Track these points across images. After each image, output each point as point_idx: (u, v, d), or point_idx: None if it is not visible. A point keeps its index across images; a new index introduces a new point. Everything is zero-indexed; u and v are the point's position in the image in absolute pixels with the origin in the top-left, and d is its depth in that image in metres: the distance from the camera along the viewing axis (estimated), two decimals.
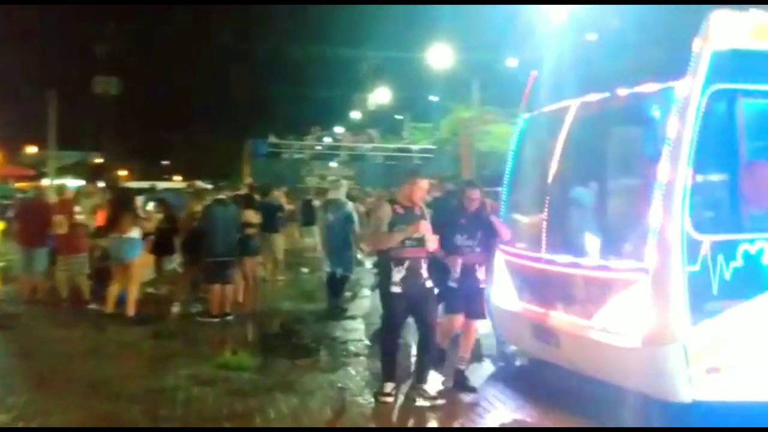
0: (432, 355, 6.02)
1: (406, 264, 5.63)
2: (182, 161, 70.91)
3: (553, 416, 5.43)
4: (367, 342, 7.98)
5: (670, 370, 4.90)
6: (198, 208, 9.43)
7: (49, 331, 8.40)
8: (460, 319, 6.36)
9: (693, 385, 4.85)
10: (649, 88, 5.26)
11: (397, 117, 54.80)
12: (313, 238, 17.18)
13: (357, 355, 7.41)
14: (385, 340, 5.97)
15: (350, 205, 9.99)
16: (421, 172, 6.84)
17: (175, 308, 9.49)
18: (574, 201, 6.23)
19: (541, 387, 6.11)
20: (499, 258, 6.88)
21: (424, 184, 5.91)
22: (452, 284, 6.18)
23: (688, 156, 4.85)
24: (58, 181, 28.27)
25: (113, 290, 9.00)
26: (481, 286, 6.40)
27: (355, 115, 56.47)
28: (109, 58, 37.57)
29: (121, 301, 9.02)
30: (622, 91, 5.46)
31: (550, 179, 6.20)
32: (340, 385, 6.25)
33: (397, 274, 5.63)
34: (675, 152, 4.87)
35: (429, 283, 5.84)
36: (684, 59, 4.91)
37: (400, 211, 5.74)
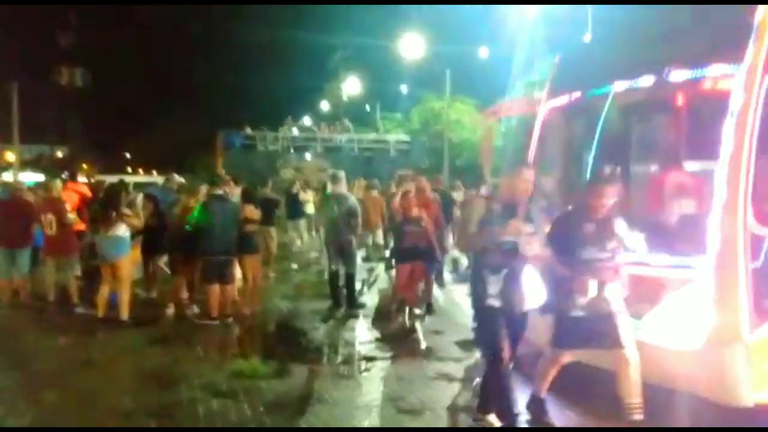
0: (505, 386, 4.86)
1: (504, 273, 4.72)
2: (145, 154, 69.68)
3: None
4: (383, 343, 7.59)
5: (732, 373, 4.62)
6: (193, 203, 8.91)
7: (36, 340, 7.80)
8: (567, 356, 5.01)
9: (755, 388, 4.59)
10: (703, 71, 4.96)
11: (367, 107, 54.53)
12: (298, 232, 16.79)
13: (374, 358, 6.99)
14: (491, 368, 4.83)
15: (353, 199, 9.57)
16: (524, 162, 5.45)
17: (170, 310, 8.99)
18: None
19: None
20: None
21: (529, 175, 4.77)
22: (576, 313, 4.76)
23: (749, 144, 4.56)
24: (26, 177, 27.32)
25: (103, 292, 8.45)
26: (613, 309, 4.77)
27: (324, 105, 56.01)
28: (74, 49, 36.32)
29: (111, 303, 8.47)
30: (675, 75, 5.13)
31: (589, 171, 5.87)
32: (369, 395, 5.85)
33: (494, 285, 4.74)
34: (735, 140, 4.57)
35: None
36: (744, 36, 4.59)
37: (496, 208, 4.77)
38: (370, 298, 10.32)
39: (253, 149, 31.14)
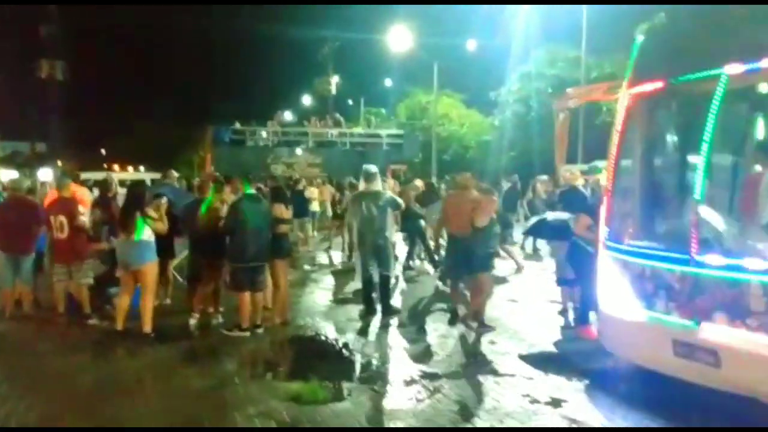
0: None
1: None
2: (123, 150, 68.26)
3: None
4: (441, 356, 6.91)
5: None
6: (219, 203, 8.15)
7: (49, 358, 6.97)
8: None
9: None
10: None
11: (350, 102, 53.77)
12: (305, 232, 16.03)
13: (436, 376, 6.28)
14: None
15: (389, 194, 8.88)
16: None
17: (193, 320, 8.23)
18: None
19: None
20: (608, 258, 5.93)
21: None
22: None
23: None
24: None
25: (123, 303, 7.66)
26: None
27: (306, 100, 55.11)
28: (54, 42, 35.01)
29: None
30: None
31: (693, 166, 5.23)
32: (451, 416, 5.17)
33: None
34: None
35: None
36: None
37: None
38: (409, 300, 9.72)
39: (242, 144, 30.20)
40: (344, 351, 7.10)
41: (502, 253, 11.63)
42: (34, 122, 36.04)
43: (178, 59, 58.62)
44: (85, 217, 8.25)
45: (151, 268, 7.64)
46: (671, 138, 6.21)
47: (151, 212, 7.69)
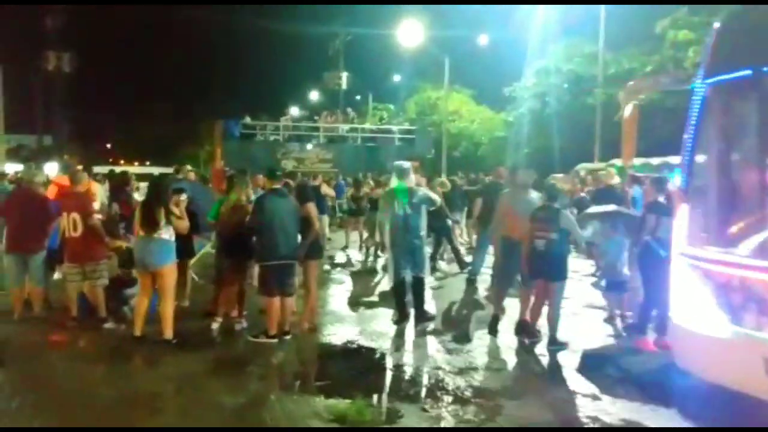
0: None
1: None
2: (129, 144, 67.85)
3: None
4: (491, 367, 6.33)
5: None
6: (243, 198, 7.58)
7: (64, 366, 6.44)
8: None
9: None
10: None
11: (357, 98, 53.17)
12: (323, 230, 15.44)
13: (491, 393, 5.71)
14: None
15: (424, 190, 8.28)
16: None
17: (215, 324, 7.67)
18: None
19: None
20: (684, 265, 5.34)
21: None
22: None
23: None
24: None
25: (141, 307, 7.10)
26: None
27: (314, 95, 54.52)
28: (61, 34, 34.44)
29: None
30: None
31: None
32: None
33: None
34: None
35: None
36: None
37: None
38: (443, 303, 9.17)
39: (252, 139, 29.58)
40: (384, 363, 6.54)
41: None
42: (41, 115, 35.42)
43: (186, 53, 58.05)
44: (99, 214, 7.67)
45: (171, 269, 7.09)
46: (759, 132, 5.60)
47: (174, 209, 7.11)
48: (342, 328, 7.86)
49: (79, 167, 12.90)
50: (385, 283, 10.60)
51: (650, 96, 29.08)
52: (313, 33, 45.23)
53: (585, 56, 32.49)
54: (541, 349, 6.97)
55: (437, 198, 8.64)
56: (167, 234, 6.97)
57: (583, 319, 8.28)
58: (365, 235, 14.24)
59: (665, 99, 28.73)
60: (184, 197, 7.48)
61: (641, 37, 28.89)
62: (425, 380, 6.03)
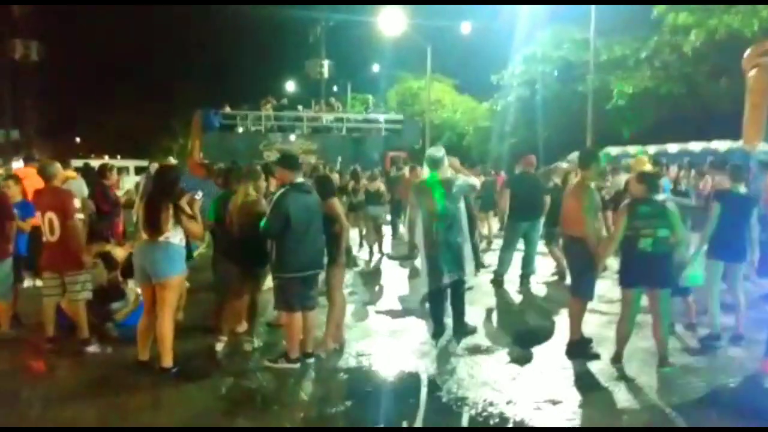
0: None
1: None
2: (100, 137, 65.62)
3: None
4: (571, 399, 5.18)
5: None
6: (254, 193, 6.34)
7: (35, 408, 5.16)
8: None
9: None
10: None
11: (334, 88, 51.72)
12: None
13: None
14: None
15: (461, 179, 7.06)
16: None
17: (220, 345, 6.44)
18: None
19: None
20: None
21: None
22: None
23: None
24: None
25: (144, 327, 5.83)
26: None
27: (290, 86, 52.94)
28: (29, 20, 32.48)
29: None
30: None
31: None
32: None
33: None
34: None
35: None
36: None
37: None
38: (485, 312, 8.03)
39: (232, 130, 28.16)
40: (437, 392, 5.36)
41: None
42: (8, 107, 33.45)
43: (162, 41, 56.02)
44: (80, 214, 6.37)
45: (178, 281, 5.81)
46: None
47: (186, 207, 5.80)
48: (373, 346, 6.65)
49: (68, 159, 11.60)
50: (404, 288, 9.49)
51: (643, 83, 28.37)
52: (294, 19, 43.68)
53: (575, 42, 31.55)
54: (637, 373, 5.81)
55: (477, 182, 7.46)
56: (176, 237, 5.69)
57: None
58: (364, 231, 13.01)
59: (660, 86, 27.95)
60: (200, 195, 6.13)
61: (634, 22, 28.00)
62: (493, 416, 4.85)
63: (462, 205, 6.96)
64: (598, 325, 7.19)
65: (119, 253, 6.73)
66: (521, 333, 7.14)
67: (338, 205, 6.36)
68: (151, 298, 5.77)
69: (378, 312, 8.13)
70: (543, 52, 32.23)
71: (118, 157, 47.87)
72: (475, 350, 6.49)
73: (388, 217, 14.50)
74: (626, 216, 5.84)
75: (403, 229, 15.33)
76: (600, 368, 5.94)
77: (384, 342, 6.81)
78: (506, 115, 34.50)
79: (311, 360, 6.04)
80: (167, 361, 5.68)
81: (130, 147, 54.34)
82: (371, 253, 12.57)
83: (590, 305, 6.49)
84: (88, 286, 6.42)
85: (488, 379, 5.66)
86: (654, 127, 28.09)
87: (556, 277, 10.17)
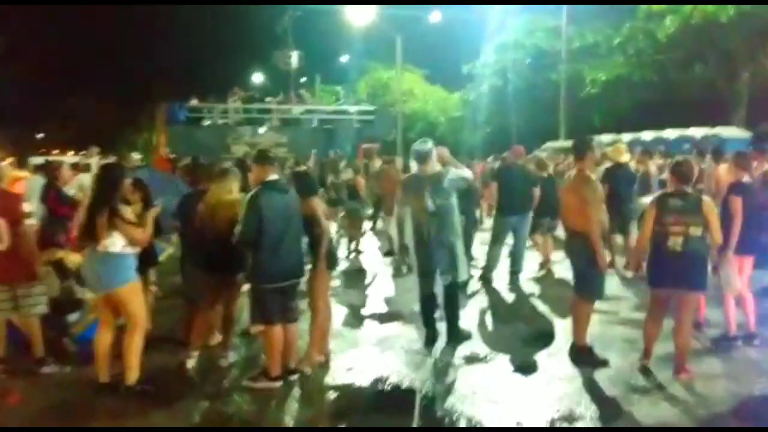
0: None
1: None
2: (62, 133, 63.86)
3: None
4: (594, 420, 4.66)
5: None
6: (233, 193, 5.71)
7: None
8: None
9: None
10: None
11: (302, 79, 50.81)
12: None
13: None
14: None
15: (453, 172, 6.47)
16: None
17: (191, 360, 5.81)
18: None
19: None
20: None
21: None
22: None
23: None
24: None
25: (102, 342, 5.20)
26: None
27: (258, 77, 51.89)
28: None
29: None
30: None
31: None
32: None
33: None
34: None
35: None
36: None
37: None
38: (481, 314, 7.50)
39: (199, 123, 27.24)
40: (438, 411, 4.81)
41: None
42: None
43: (125, 32, 54.58)
44: (33, 219, 5.68)
45: (130, 291, 5.16)
46: None
47: (125, 210, 5.18)
48: (361, 357, 6.08)
49: (8, 160, 10.72)
50: (389, 289, 8.93)
51: (616, 70, 28.10)
52: (261, 10, 42.74)
53: (547, 30, 31.26)
54: (653, 382, 5.32)
55: (469, 173, 6.89)
56: (116, 245, 5.05)
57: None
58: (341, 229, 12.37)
59: (632, 73, 27.71)
60: (156, 207, 5.47)
61: (607, 9, 27.73)
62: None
63: (454, 200, 6.39)
64: (602, 324, 6.71)
65: (73, 259, 6.05)
66: (520, 338, 6.62)
67: (319, 204, 5.75)
68: (108, 312, 5.16)
69: (364, 317, 7.54)
70: (515, 39, 31.85)
71: (83, 153, 46.50)
72: (472, 359, 5.96)
73: (369, 212, 13.91)
74: (655, 210, 5.34)
75: (382, 224, 14.79)
76: (611, 376, 5.45)
77: (374, 352, 6.23)
78: (479, 104, 34.09)
79: (294, 377, 5.45)
80: (131, 377, 5.07)
81: (95, 142, 52.90)
82: (348, 250, 11.97)
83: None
84: (43, 300, 5.73)
85: (491, 394, 5.13)
86: (627, 115, 27.91)
87: (544, 272, 9.71)
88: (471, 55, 34.42)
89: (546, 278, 9.43)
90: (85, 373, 5.50)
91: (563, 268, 9.73)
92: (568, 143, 25.66)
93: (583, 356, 5.76)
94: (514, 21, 31.52)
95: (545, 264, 9.94)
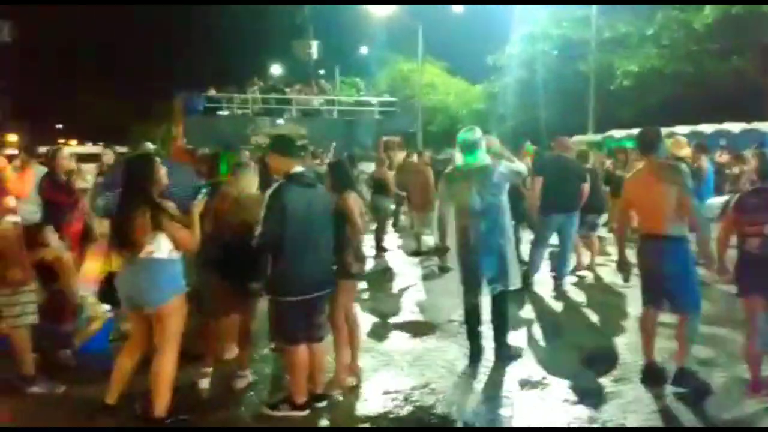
0: None
1: None
2: (81, 123, 63.68)
3: None
4: None
5: None
6: (251, 188, 4.91)
7: None
8: None
9: None
10: None
11: (321, 72, 50.00)
12: None
13: None
14: None
15: (504, 165, 5.63)
16: None
17: (205, 378, 5.03)
18: None
19: None
20: None
21: None
22: None
23: None
24: None
25: (126, 365, 4.42)
26: None
27: (276, 69, 51.16)
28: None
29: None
30: None
31: None
32: None
33: None
34: None
35: None
36: None
37: None
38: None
39: (217, 113, 26.59)
40: None
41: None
42: None
43: (144, 21, 54.10)
44: (16, 216, 4.91)
45: (175, 308, 4.30)
46: None
47: (170, 206, 4.37)
48: (398, 378, 5.26)
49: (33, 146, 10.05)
50: (420, 293, 8.12)
51: (649, 61, 26.99)
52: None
53: (576, 20, 30.10)
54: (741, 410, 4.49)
55: (524, 167, 6.02)
56: (162, 250, 4.24)
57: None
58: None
59: (666, 65, 26.60)
60: (202, 194, 4.63)
61: None
62: None
63: (505, 198, 5.57)
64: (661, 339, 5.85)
65: (63, 255, 5.29)
66: (578, 356, 5.76)
67: (356, 201, 4.94)
68: (143, 331, 4.37)
69: (397, 328, 6.71)
70: (542, 30, 30.78)
71: (101, 143, 46.07)
72: (528, 384, 5.11)
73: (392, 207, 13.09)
74: (732, 210, 4.60)
75: (405, 220, 13.99)
76: (700, 405, 4.58)
77: (411, 373, 5.40)
78: (504, 97, 33.09)
79: (323, 404, 4.65)
80: (160, 409, 4.24)
81: (113, 133, 52.50)
82: (377, 249, 11.18)
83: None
84: (32, 309, 4.95)
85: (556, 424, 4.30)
86: (659, 109, 26.79)
87: (588, 274, 8.87)
88: (494, 47, 33.44)
89: (593, 283, 8.58)
90: (82, 394, 4.77)
91: (607, 272, 8.94)
92: (598, 137, 24.71)
93: (685, 378, 4.85)
94: (540, 11, 30.40)
95: (589, 267, 9.12)
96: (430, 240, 10.73)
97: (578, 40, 29.29)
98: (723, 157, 15.74)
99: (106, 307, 5.85)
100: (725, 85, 24.27)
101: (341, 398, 4.79)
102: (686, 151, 9.63)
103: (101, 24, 51.87)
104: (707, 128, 21.04)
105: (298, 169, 4.54)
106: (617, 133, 23.75)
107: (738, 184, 11.41)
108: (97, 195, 6.44)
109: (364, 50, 48.90)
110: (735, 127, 20.28)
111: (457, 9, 36.22)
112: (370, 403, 4.78)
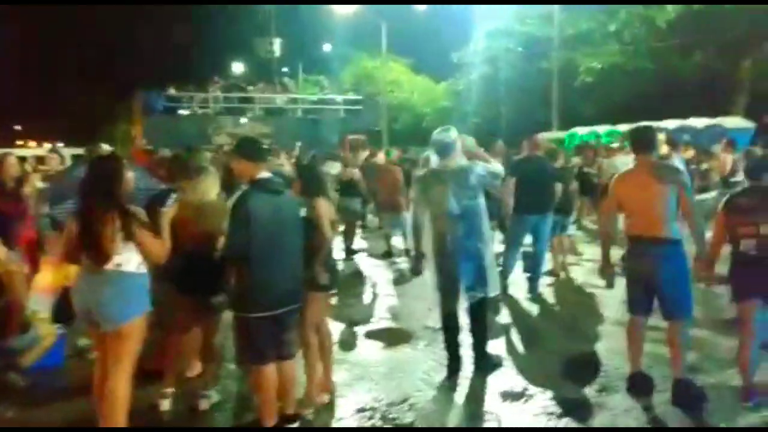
0: None
1: None
2: (41, 124, 62.11)
3: None
4: None
5: None
6: (211, 194, 4.56)
7: None
8: None
9: None
10: None
11: (284, 69, 49.41)
12: None
13: None
14: None
15: (480, 166, 5.36)
16: None
17: (165, 400, 4.67)
18: None
19: None
20: None
21: None
22: None
23: None
24: None
25: (101, 386, 4.04)
26: None
27: (238, 67, 50.39)
28: None
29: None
30: None
31: None
32: None
33: None
34: None
35: None
36: None
37: None
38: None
39: (177, 113, 25.94)
40: None
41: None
42: None
43: (100, 19, 52.79)
44: None
45: (135, 328, 3.93)
46: None
47: (141, 214, 4.00)
48: (374, 392, 4.95)
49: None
50: (393, 298, 7.84)
51: (612, 58, 27.11)
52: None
53: (539, 17, 30.10)
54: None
55: (501, 168, 5.73)
56: (131, 262, 3.88)
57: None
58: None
59: (628, 61, 26.75)
60: (172, 199, 4.25)
61: None
62: None
63: (482, 200, 5.31)
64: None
65: (13, 268, 4.89)
66: (559, 364, 5.52)
67: (326, 207, 4.62)
68: (103, 348, 3.99)
69: (370, 336, 6.42)
70: (506, 27, 30.75)
71: (60, 144, 44.84)
72: (510, 396, 4.84)
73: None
74: (723, 209, 4.41)
75: (372, 221, 13.70)
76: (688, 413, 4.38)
77: (388, 386, 5.10)
78: (469, 94, 33.00)
79: (295, 424, 4.33)
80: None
81: (72, 134, 51.22)
82: (347, 253, 10.86)
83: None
84: None
85: None
86: (622, 105, 26.94)
87: (562, 276, 8.69)
88: (458, 44, 33.31)
89: (567, 285, 8.41)
90: (36, 418, 4.38)
91: (581, 272, 8.79)
92: (561, 134, 24.71)
93: (687, 392, 4.61)
94: (504, 7, 30.34)
95: (563, 267, 8.95)
96: (398, 241, 10.48)
97: (542, 36, 29.32)
98: (688, 153, 15.78)
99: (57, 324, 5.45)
100: (688, 81, 24.48)
101: (313, 417, 4.46)
102: (663, 149, 9.57)
103: (60, 22, 50.43)
104: (671, 124, 21.14)
105: (265, 174, 4.21)
106: (581, 130, 23.79)
107: (708, 180, 11.38)
108: (42, 204, 5.99)
109: (327, 47, 48.43)
110: (699, 122, 20.42)
111: (421, 6, 36.10)
112: (345, 421, 4.47)
